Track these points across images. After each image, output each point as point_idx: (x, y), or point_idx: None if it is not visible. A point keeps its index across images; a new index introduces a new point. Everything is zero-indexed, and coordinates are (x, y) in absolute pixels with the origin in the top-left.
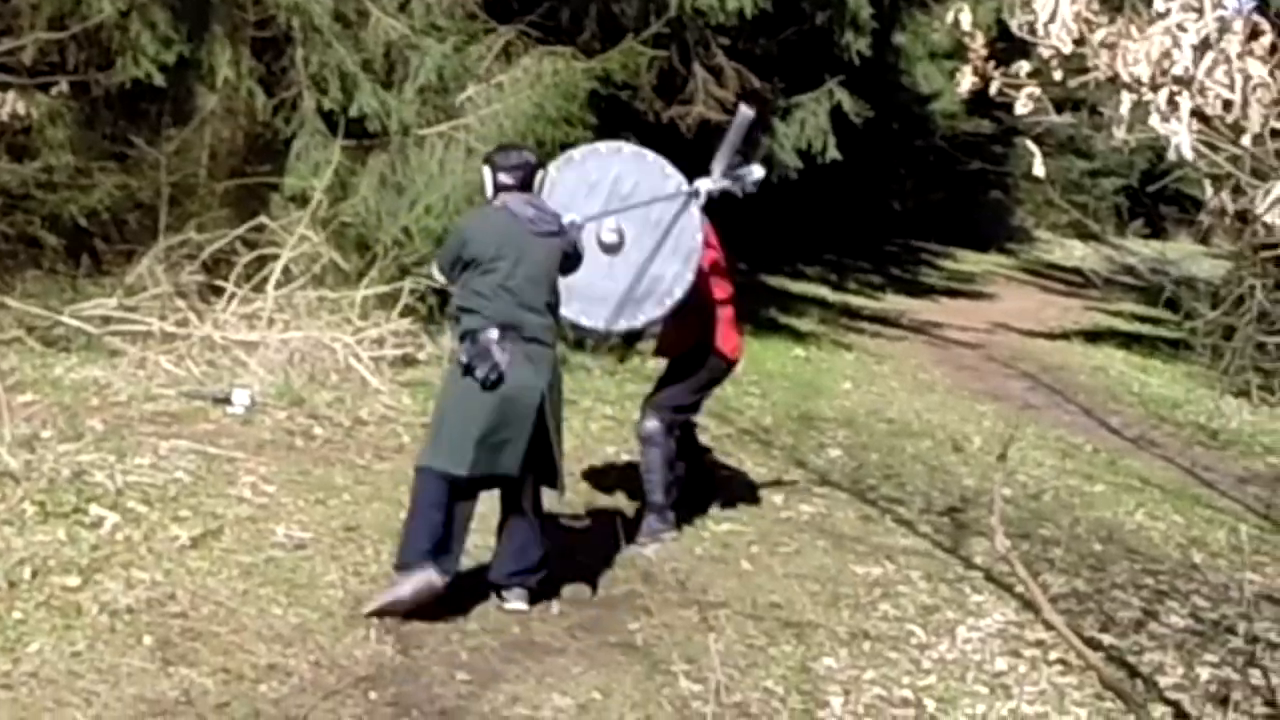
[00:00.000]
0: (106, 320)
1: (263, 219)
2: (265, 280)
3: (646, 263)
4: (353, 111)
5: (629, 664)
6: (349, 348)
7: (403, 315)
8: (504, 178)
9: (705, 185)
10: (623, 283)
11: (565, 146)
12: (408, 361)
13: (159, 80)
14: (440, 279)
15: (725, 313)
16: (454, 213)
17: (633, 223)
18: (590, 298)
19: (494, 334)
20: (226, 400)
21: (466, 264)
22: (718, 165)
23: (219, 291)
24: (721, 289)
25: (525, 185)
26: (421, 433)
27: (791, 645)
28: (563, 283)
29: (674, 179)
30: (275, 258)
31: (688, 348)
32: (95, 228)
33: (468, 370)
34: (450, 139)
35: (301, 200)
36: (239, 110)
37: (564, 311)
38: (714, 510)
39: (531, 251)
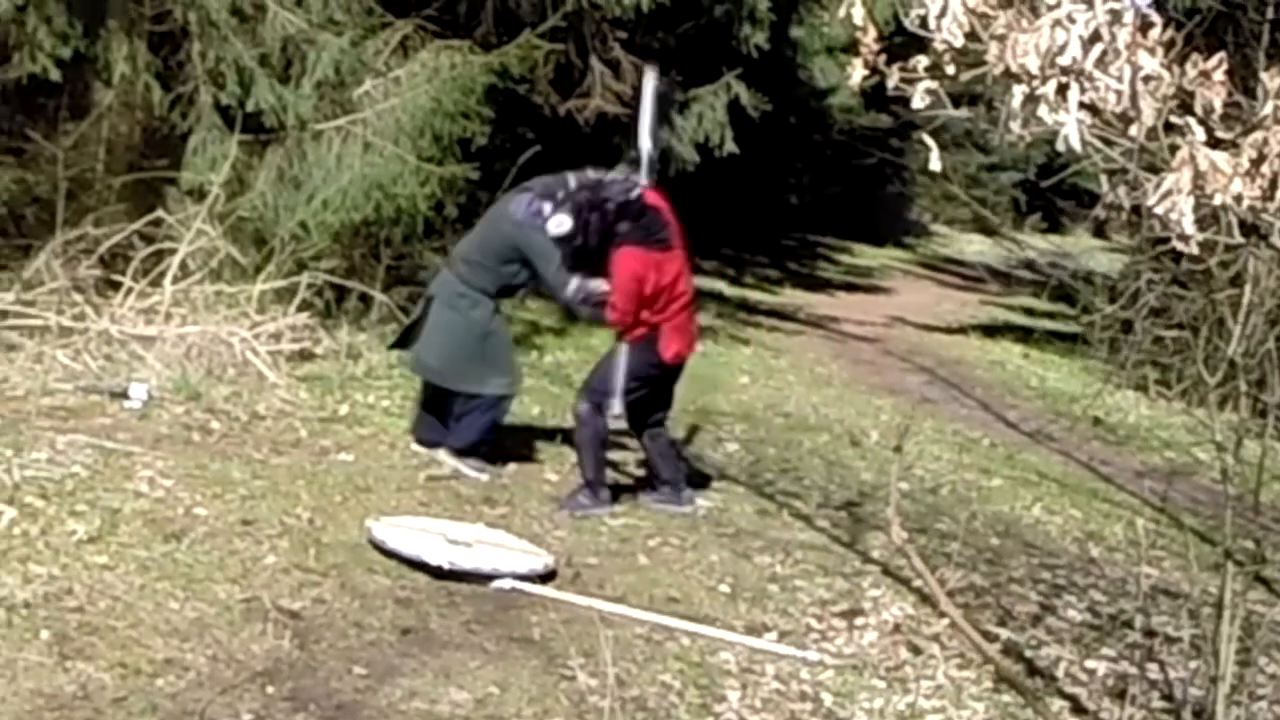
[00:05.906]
0: (3, 315)
1: (160, 213)
2: (162, 275)
3: None
4: (250, 106)
5: (526, 658)
6: (246, 342)
7: (300, 310)
8: None
9: (645, 148)
10: None
11: (463, 141)
12: (304, 356)
13: (55, 75)
14: None
15: (675, 315)
16: (351, 207)
17: None
18: None
19: None
20: (124, 395)
21: None
22: (645, 132)
23: (116, 286)
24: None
25: None
26: (319, 427)
27: (689, 639)
28: None
29: None
30: (172, 252)
31: (638, 336)
32: None
33: None
34: (347, 133)
35: (198, 195)
36: (136, 105)
37: None
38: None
39: None
